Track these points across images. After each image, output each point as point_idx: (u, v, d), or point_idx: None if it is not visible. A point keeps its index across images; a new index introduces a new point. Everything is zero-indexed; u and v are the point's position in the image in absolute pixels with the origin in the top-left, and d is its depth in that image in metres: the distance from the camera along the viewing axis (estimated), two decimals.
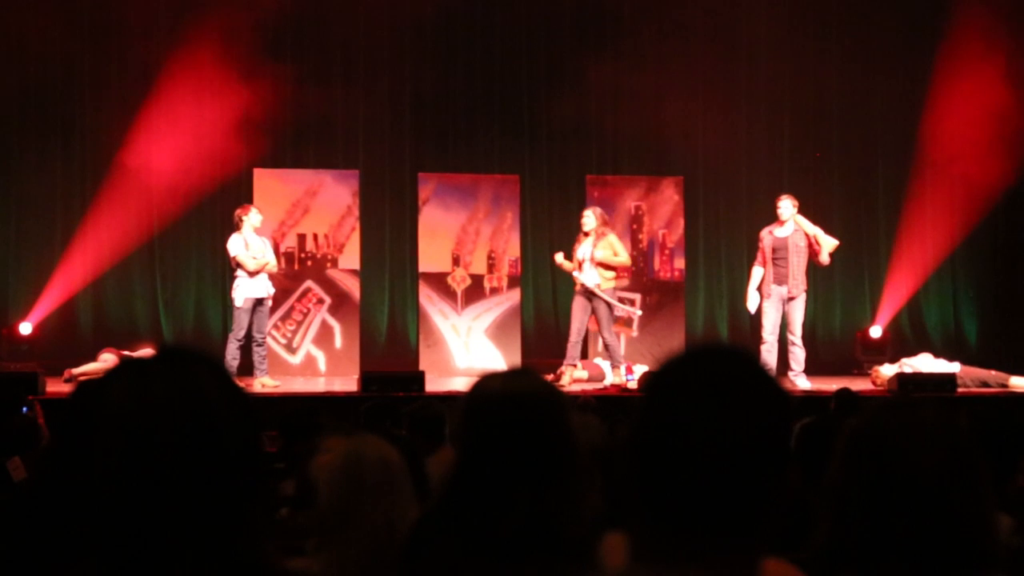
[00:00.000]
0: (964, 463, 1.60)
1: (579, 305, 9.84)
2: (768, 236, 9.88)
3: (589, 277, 9.79)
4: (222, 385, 1.28)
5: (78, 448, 1.23)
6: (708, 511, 1.22)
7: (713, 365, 1.29)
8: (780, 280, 9.77)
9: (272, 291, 9.79)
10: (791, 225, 9.81)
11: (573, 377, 10.18)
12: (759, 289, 9.89)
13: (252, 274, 9.52)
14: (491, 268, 11.43)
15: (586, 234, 9.86)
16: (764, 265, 9.87)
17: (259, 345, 9.72)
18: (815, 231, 9.82)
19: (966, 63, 12.21)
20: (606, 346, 10.01)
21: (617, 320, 11.74)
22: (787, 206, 9.79)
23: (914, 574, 1.55)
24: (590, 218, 9.89)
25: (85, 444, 1.23)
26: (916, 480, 1.58)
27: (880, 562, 1.57)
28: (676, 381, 1.29)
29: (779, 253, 9.77)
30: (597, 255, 9.80)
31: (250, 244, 9.60)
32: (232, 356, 9.51)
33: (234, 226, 9.72)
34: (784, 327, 9.84)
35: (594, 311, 9.86)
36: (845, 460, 1.65)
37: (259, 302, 9.60)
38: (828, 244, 9.82)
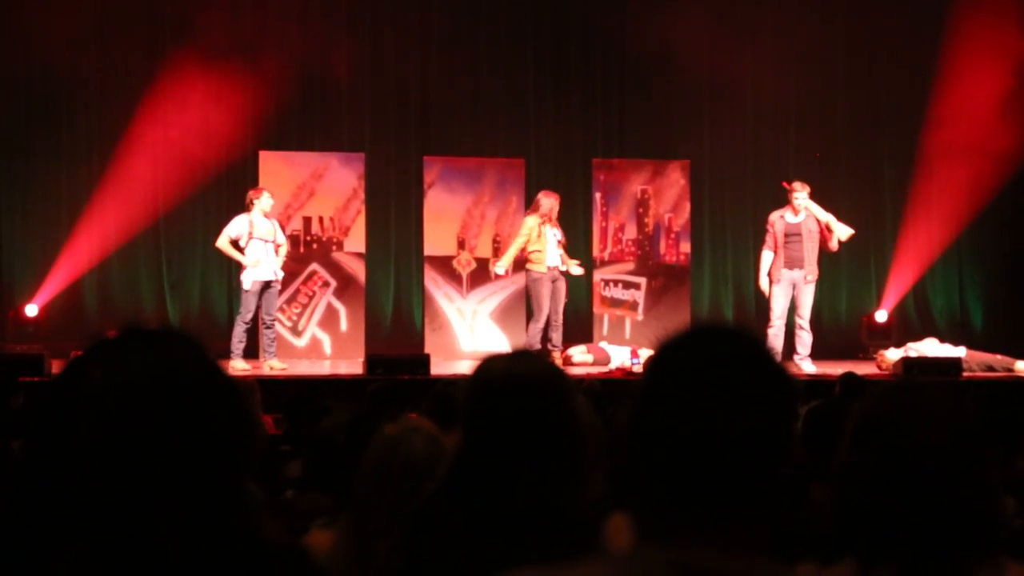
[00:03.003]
0: (971, 446, 1.60)
1: (547, 288, 9.89)
2: (780, 221, 9.84)
3: (559, 260, 9.94)
4: (199, 361, 1.28)
5: (60, 426, 1.23)
6: (712, 492, 1.22)
7: (716, 345, 1.28)
8: (793, 264, 9.75)
9: (281, 274, 9.79)
10: (803, 211, 9.79)
11: (576, 360, 10.26)
12: (770, 274, 9.88)
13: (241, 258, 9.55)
14: (496, 252, 11.40)
15: (550, 218, 9.95)
16: (775, 250, 9.85)
17: (268, 328, 9.72)
18: (827, 218, 9.80)
19: (975, 36, 12.12)
20: (558, 326, 10.02)
21: (622, 304, 11.77)
22: (803, 197, 9.76)
23: (921, 556, 1.55)
24: (556, 203, 10.09)
25: (66, 422, 1.23)
26: (923, 462, 1.58)
27: (887, 544, 1.57)
28: (679, 361, 1.28)
29: (792, 238, 9.75)
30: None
31: (256, 225, 9.60)
32: (239, 339, 9.53)
33: (244, 207, 9.73)
34: (792, 311, 9.83)
35: (557, 291, 9.94)
36: (853, 442, 1.65)
37: (267, 284, 9.60)
38: (843, 232, 9.80)
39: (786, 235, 9.78)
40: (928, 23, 12.57)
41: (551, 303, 9.90)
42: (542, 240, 9.89)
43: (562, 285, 10.01)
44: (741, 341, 1.29)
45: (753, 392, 1.24)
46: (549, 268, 9.90)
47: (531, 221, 10.00)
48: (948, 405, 1.64)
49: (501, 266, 10.42)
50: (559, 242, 10.00)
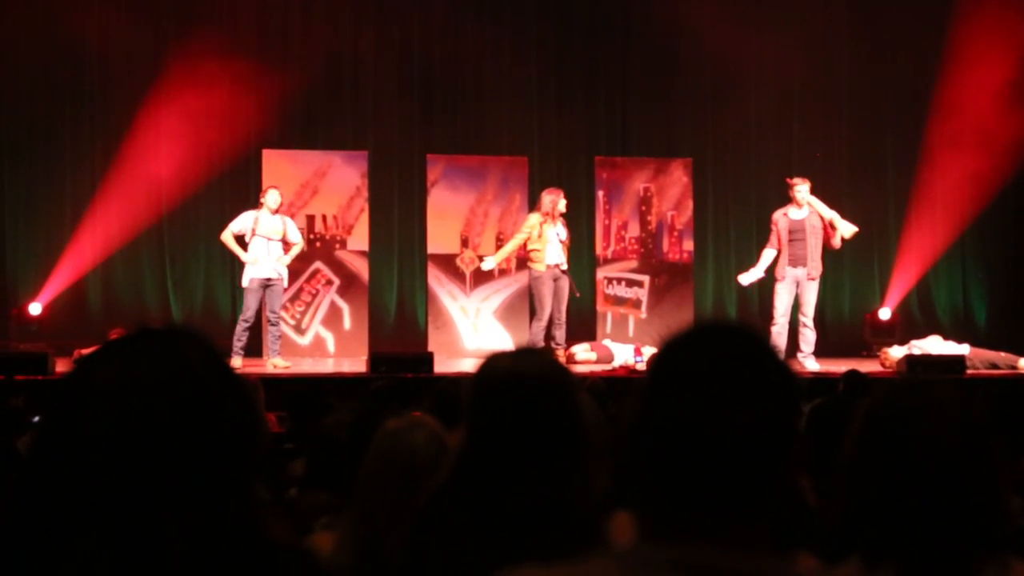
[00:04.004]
0: (978, 443, 1.60)
1: (549, 287, 9.86)
2: (783, 218, 9.83)
3: (561, 258, 9.88)
4: (209, 360, 1.28)
5: (70, 425, 1.23)
6: (715, 490, 1.22)
7: (719, 342, 1.28)
8: (797, 262, 9.73)
9: (283, 272, 9.75)
10: (806, 207, 9.78)
11: (579, 358, 10.25)
12: (774, 272, 9.86)
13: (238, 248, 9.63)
14: (500, 250, 11.41)
15: (558, 216, 9.90)
16: (779, 248, 9.84)
17: (273, 325, 9.72)
18: (831, 215, 9.78)
19: (981, 25, 12.07)
20: (561, 323, 10.00)
21: (626, 302, 11.76)
22: (804, 190, 9.74)
23: (926, 554, 1.55)
24: (563, 200, 9.98)
25: (75, 422, 1.23)
26: (930, 460, 1.58)
27: (892, 542, 1.56)
28: (682, 359, 1.28)
29: (796, 235, 9.73)
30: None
31: (261, 223, 9.61)
32: (237, 337, 9.55)
33: (256, 204, 9.83)
34: (796, 308, 9.82)
35: (560, 289, 9.90)
36: (859, 439, 1.64)
37: (267, 282, 9.59)
38: (847, 229, 9.77)
39: (790, 232, 9.76)
40: (933, 14, 12.55)
41: (554, 301, 9.88)
42: (543, 239, 9.85)
43: (564, 283, 9.96)
44: (744, 339, 1.29)
45: (756, 390, 1.24)
46: (549, 266, 9.85)
47: (533, 219, 9.97)
48: (955, 403, 1.64)
49: (490, 262, 10.40)
50: (562, 241, 9.94)
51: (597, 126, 12.73)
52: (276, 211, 9.73)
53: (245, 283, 9.58)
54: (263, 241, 9.58)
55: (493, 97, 12.48)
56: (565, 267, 9.96)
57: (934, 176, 12.69)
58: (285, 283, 9.85)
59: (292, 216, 11.13)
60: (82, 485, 1.21)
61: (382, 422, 2.49)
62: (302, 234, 11.21)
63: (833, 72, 12.81)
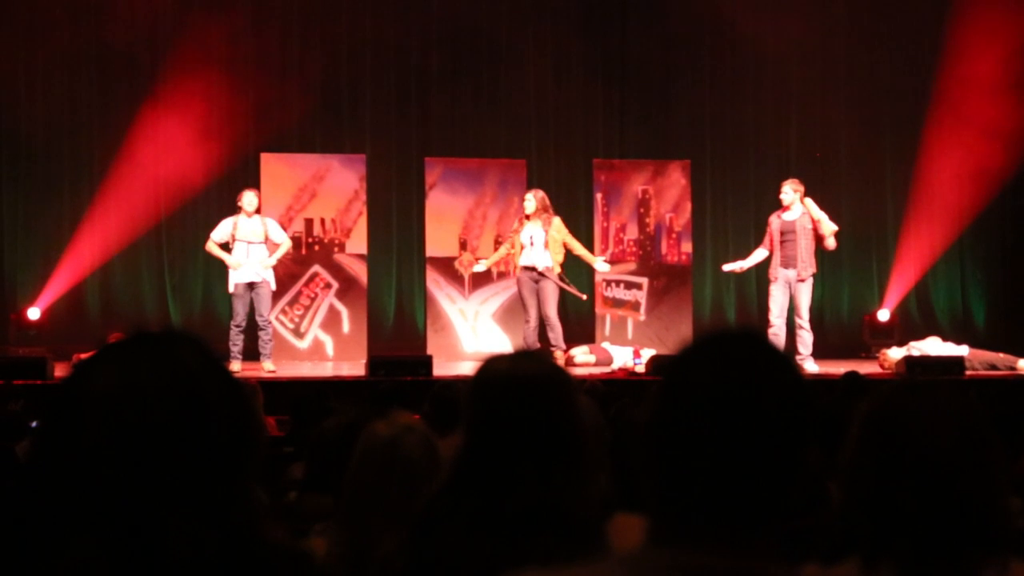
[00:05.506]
0: (978, 445, 1.60)
1: (527, 287, 9.79)
2: (776, 220, 9.86)
3: (541, 259, 9.73)
4: (206, 363, 1.28)
5: (68, 430, 1.23)
6: (727, 495, 1.22)
7: (732, 349, 1.29)
8: (788, 263, 9.75)
9: (267, 275, 9.62)
10: (798, 208, 9.79)
11: (578, 361, 10.25)
12: (767, 274, 9.88)
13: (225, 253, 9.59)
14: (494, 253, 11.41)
15: (527, 217, 9.82)
16: (771, 249, 9.86)
17: (262, 329, 9.66)
18: (820, 215, 9.80)
19: (979, 20, 12.06)
20: (550, 326, 9.92)
21: (624, 305, 11.76)
22: (788, 191, 9.77)
23: (925, 555, 1.55)
24: (531, 201, 9.83)
25: (74, 427, 1.23)
26: (930, 462, 1.57)
27: (892, 542, 1.56)
28: (695, 365, 1.28)
29: (787, 236, 9.76)
30: (560, 238, 9.82)
31: (240, 227, 9.57)
32: (233, 342, 9.54)
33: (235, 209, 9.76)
34: (791, 310, 9.82)
35: (540, 291, 9.78)
36: (859, 442, 1.64)
37: (251, 286, 9.55)
38: (827, 228, 9.79)
39: (782, 233, 9.79)
40: (931, 11, 12.56)
41: (539, 304, 9.76)
42: (519, 241, 9.83)
43: (546, 285, 9.78)
44: (758, 347, 1.29)
45: (769, 398, 1.24)
46: (524, 268, 9.78)
47: (516, 223, 10.05)
48: (955, 404, 1.63)
49: (482, 265, 10.46)
50: (534, 243, 9.74)
51: (595, 128, 12.74)
52: (254, 213, 9.64)
53: (231, 288, 9.58)
54: (243, 245, 9.55)
55: (491, 100, 12.49)
56: (541, 269, 9.79)
57: (932, 176, 12.68)
58: (273, 285, 9.72)
59: (291, 220, 11.14)
60: (81, 489, 1.21)
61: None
62: (301, 238, 11.23)
63: (831, 71, 12.82)
